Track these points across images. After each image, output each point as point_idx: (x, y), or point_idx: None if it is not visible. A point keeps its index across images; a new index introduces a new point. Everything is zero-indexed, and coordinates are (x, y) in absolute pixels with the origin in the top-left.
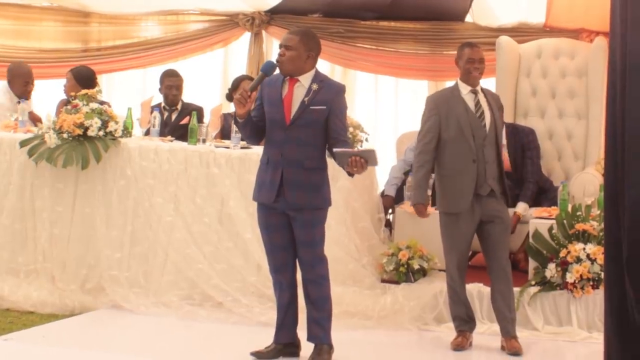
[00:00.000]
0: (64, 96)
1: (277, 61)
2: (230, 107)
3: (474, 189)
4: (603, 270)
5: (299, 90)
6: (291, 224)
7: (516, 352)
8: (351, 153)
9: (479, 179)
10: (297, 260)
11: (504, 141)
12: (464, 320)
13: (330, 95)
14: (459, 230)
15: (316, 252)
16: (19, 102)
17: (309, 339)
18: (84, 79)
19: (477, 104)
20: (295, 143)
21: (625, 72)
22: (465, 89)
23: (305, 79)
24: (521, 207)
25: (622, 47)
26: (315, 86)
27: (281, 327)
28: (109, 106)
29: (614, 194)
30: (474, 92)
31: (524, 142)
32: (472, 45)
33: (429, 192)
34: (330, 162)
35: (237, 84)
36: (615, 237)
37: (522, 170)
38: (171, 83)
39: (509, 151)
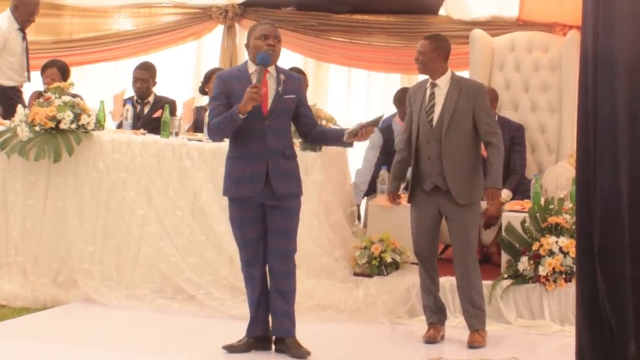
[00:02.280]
0: (35, 88)
1: (267, 52)
2: (203, 100)
3: (418, 183)
4: (575, 263)
5: (271, 81)
6: (266, 216)
7: (474, 345)
8: (362, 125)
9: (422, 173)
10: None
11: None
12: (433, 311)
13: (296, 85)
14: (413, 220)
15: (292, 243)
16: (19, 29)
17: (278, 332)
18: (64, 72)
19: (431, 96)
20: (275, 133)
21: (596, 65)
22: (429, 82)
23: (273, 70)
24: (505, 193)
25: (594, 41)
26: (282, 76)
27: (254, 321)
28: (81, 99)
29: (585, 187)
30: (433, 85)
31: (513, 135)
32: (424, 38)
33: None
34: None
35: (209, 77)
36: (587, 230)
37: (510, 162)
38: (137, 76)
39: None
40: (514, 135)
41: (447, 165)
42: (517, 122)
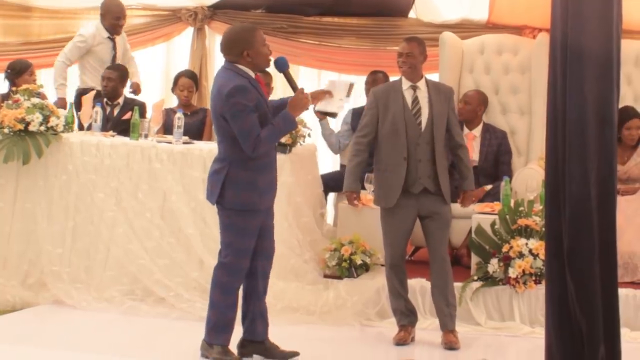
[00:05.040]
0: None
1: (270, 57)
2: (173, 102)
3: (405, 186)
4: (544, 265)
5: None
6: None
7: (452, 346)
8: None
9: (410, 177)
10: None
11: (476, 134)
12: (404, 314)
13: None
14: (392, 225)
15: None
16: (109, 38)
17: (255, 335)
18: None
19: (415, 100)
20: None
21: (565, 68)
22: (406, 84)
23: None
24: (489, 187)
25: (563, 44)
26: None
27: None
28: (45, 97)
29: (555, 189)
30: (414, 88)
31: (501, 143)
32: (405, 39)
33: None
34: None
35: (177, 79)
36: (556, 232)
37: (498, 170)
38: (105, 75)
39: (481, 148)
40: (502, 143)
41: (438, 168)
42: (501, 129)
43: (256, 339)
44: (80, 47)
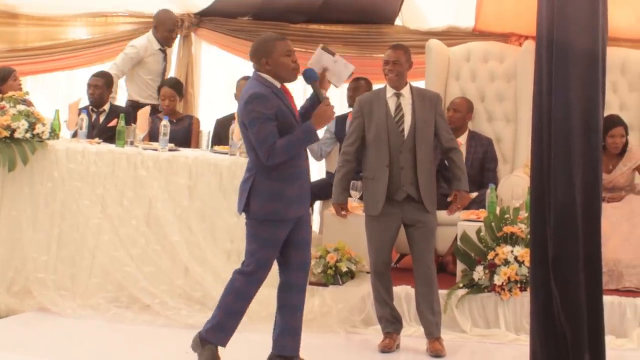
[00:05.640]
0: None
1: (296, 68)
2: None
3: (388, 194)
4: (529, 272)
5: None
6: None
7: (438, 354)
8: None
9: (393, 185)
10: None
11: (462, 141)
12: (390, 322)
13: None
14: (376, 233)
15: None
16: (160, 49)
17: (284, 350)
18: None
19: (398, 107)
20: None
21: (551, 63)
22: (390, 92)
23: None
24: (474, 194)
25: (549, 37)
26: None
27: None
28: (31, 104)
29: (540, 197)
30: (397, 95)
31: (487, 150)
32: (391, 47)
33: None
34: None
35: (159, 88)
36: (541, 239)
37: (483, 176)
38: (91, 82)
39: (467, 156)
40: (487, 150)
41: (420, 175)
42: (487, 137)
43: (285, 354)
44: (133, 58)
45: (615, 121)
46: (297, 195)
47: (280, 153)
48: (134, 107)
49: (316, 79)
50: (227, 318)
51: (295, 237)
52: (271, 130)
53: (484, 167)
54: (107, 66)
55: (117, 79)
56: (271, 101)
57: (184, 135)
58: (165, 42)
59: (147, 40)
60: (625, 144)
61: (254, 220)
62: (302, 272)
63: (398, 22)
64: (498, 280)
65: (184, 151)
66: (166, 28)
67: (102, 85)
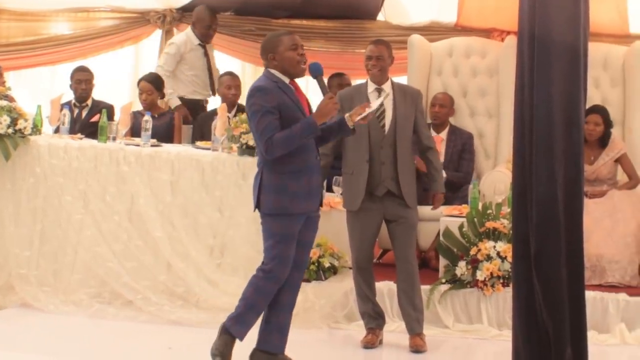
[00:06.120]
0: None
1: (303, 62)
2: (140, 105)
3: (368, 189)
4: (512, 268)
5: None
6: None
7: (418, 350)
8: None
9: (374, 180)
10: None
11: (443, 137)
12: (372, 317)
13: None
14: (357, 228)
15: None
16: (200, 45)
17: (270, 346)
18: None
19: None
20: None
21: (533, 57)
22: (371, 87)
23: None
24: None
25: (530, 31)
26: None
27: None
28: (13, 100)
29: (522, 192)
30: (379, 90)
31: (465, 142)
32: (373, 42)
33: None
34: None
35: (138, 83)
36: (523, 234)
37: (458, 168)
38: (80, 77)
39: (446, 150)
40: (465, 143)
41: (401, 170)
42: (468, 131)
43: (269, 350)
44: (174, 54)
45: (592, 109)
46: (305, 191)
47: (279, 146)
48: (182, 103)
49: (321, 74)
50: (247, 310)
51: (302, 237)
52: (270, 122)
53: (460, 157)
54: (88, 62)
55: (166, 79)
56: (273, 94)
57: (166, 130)
58: (203, 38)
59: (185, 36)
60: (605, 134)
61: (267, 216)
62: (299, 272)
63: (380, 17)
64: (480, 275)
65: (166, 147)
66: (204, 25)
67: (90, 79)
